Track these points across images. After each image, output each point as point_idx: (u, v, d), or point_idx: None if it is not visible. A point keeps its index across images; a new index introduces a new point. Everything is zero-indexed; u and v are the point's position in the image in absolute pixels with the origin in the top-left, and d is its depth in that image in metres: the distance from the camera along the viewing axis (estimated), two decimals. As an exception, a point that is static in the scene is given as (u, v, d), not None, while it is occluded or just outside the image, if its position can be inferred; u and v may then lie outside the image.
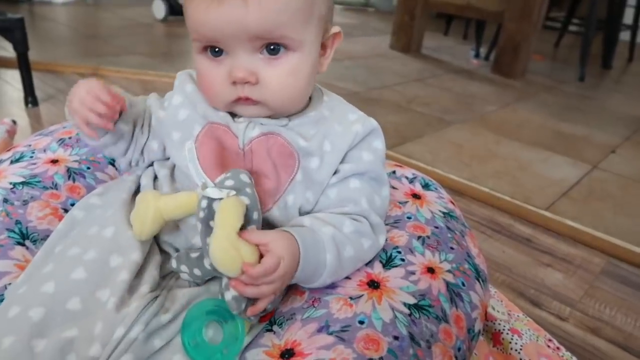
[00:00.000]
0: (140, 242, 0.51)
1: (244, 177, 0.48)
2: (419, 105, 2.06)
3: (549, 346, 0.73)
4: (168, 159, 0.61)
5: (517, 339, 0.72)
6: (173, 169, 0.59)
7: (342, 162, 0.57)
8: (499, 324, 0.74)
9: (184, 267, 0.50)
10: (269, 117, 0.56)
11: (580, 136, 1.89)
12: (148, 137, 0.62)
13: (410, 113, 1.97)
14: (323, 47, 0.58)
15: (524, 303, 0.92)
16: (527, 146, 1.73)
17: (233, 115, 0.58)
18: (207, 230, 0.46)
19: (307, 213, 0.57)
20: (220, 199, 0.46)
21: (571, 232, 1.18)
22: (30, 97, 1.63)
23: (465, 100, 2.20)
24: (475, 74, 2.68)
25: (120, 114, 0.56)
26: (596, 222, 1.24)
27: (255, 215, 0.48)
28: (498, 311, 0.76)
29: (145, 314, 0.45)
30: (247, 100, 0.54)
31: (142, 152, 0.62)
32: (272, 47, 0.51)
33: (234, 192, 0.46)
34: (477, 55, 3.04)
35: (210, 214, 0.46)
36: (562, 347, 0.74)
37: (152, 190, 0.51)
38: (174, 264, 0.51)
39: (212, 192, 0.46)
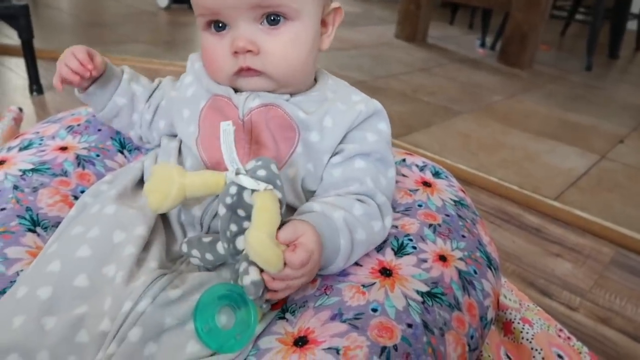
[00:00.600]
0: (144, 218, 0.51)
1: (274, 168, 0.47)
2: (425, 95, 2.04)
3: (559, 336, 0.72)
4: (175, 136, 0.62)
5: (528, 329, 0.71)
6: (181, 142, 0.61)
7: (345, 142, 0.57)
8: (510, 313, 0.74)
9: (195, 252, 0.49)
10: (271, 92, 0.57)
11: (588, 126, 1.88)
12: (154, 114, 0.65)
13: (416, 102, 1.95)
14: (324, 24, 0.59)
15: (534, 293, 0.92)
16: (534, 136, 1.72)
17: (236, 91, 0.58)
18: (233, 217, 0.46)
19: (310, 189, 0.58)
20: (253, 190, 0.45)
21: (580, 222, 1.18)
22: (35, 85, 1.62)
23: (471, 90, 2.19)
24: (481, 64, 2.66)
25: (97, 80, 0.63)
26: (605, 212, 1.23)
27: (283, 210, 0.47)
28: (510, 299, 0.76)
29: (153, 288, 0.45)
30: (248, 70, 0.55)
31: (150, 129, 0.66)
32: (272, 17, 0.53)
33: (270, 187, 0.45)
34: (483, 45, 3.02)
35: (239, 202, 0.45)
36: (572, 337, 0.73)
37: (174, 164, 0.50)
38: (184, 248, 0.50)
39: (247, 182, 0.45)
